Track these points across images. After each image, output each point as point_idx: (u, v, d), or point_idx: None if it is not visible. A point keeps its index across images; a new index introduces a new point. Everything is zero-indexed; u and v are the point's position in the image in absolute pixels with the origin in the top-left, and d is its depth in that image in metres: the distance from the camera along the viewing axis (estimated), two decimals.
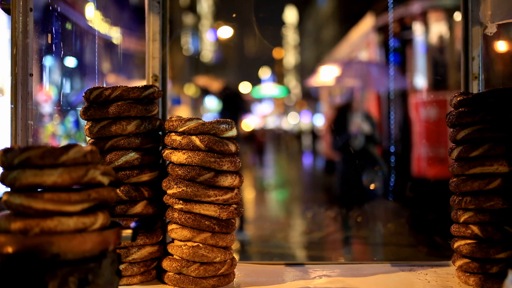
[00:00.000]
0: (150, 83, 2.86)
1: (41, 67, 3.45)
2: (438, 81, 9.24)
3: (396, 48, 9.81)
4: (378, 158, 7.94)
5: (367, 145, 7.76)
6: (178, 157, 2.28)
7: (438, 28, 9.35)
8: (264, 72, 41.70)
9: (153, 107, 2.45)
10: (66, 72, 5.18)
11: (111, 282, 1.65)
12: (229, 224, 2.32)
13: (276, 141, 34.09)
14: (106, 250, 1.65)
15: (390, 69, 8.92)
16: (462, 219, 2.31)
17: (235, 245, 4.89)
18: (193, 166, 2.27)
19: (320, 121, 23.22)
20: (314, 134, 24.87)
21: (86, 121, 2.44)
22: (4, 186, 1.66)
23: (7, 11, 2.43)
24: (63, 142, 8.00)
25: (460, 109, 2.35)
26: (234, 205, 2.33)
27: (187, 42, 24.95)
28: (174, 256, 2.33)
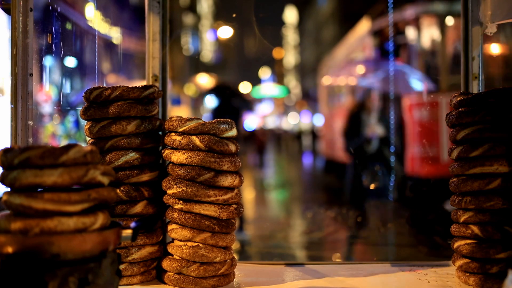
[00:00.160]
0: (150, 83, 2.86)
1: (41, 67, 3.45)
2: (430, 84, 9.37)
3: (391, 52, 9.94)
4: (393, 162, 7.69)
5: (382, 149, 7.49)
6: (178, 157, 2.28)
7: (430, 33, 9.66)
8: (264, 72, 41.73)
9: (153, 107, 2.45)
10: (66, 72, 5.18)
11: (111, 282, 1.65)
12: (229, 224, 2.32)
13: (276, 141, 34.09)
14: (106, 250, 1.65)
15: (413, 70, 8.96)
16: (462, 219, 2.31)
17: (235, 245, 4.89)
18: (193, 166, 2.27)
19: (320, 121, 23.22)
20: (314, 134, 24.90)
21: (86, 121, 2.44)
22: (4, 186, 1.66)
23: (7, 11, 2.43)
24: (63, 142, 8.00)
25: (460, 109, 2.35)
26: (234, 205, 2.33)
27: (187, 42, 24.97)
28: (174, 256, 2.33)
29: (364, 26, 12.72)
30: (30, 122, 2.42)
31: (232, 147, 2.31)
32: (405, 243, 6.21)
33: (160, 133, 2.52)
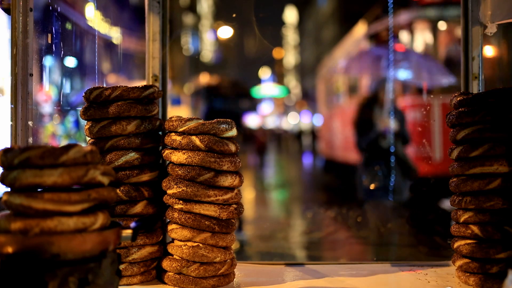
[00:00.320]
0: (150, 83, 2.86)
1: (41, 67, 3.45)
2: (423, 86, 9.52)
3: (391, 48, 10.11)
4: (408, 159, 7.16)
5: (396, 145, 6.83)
6: (178, 157, 2.28)
7: (423, 37, 9.91)
8: (264, 72, 41.74)
9: (153, 107, 2.45)
10: (66, 72, 5.17)
11: (111, 282, 1.66)
12: (229, 224, 2.32)
13: (276, 141, 34.09)
14: (106, 250, 1.65)
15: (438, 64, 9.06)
16: (462, 219, 2.31)
17: (235, 245, 4.89)
18: (193, 166, 2.27)
19: (319, 121, 23.23)
20: (314, 134, 24.90)
21: (86, 121, 2.44)
22: (4, 186, 1.66)
23: (7, 11, 2.43)
24: (63, 142, 8.00)
25: (460, 109, 2.35)
26: (234, 205, 2.33)
27: (187, 42, 24.97)
28: (174, 256, 2.33)
29: (360, 29, 12.88)
30: (30, 122, 2.42)
31: (232, 147, 2.31)
32: (405, 243, 6.20)
33: (160, 133, 2.52)
